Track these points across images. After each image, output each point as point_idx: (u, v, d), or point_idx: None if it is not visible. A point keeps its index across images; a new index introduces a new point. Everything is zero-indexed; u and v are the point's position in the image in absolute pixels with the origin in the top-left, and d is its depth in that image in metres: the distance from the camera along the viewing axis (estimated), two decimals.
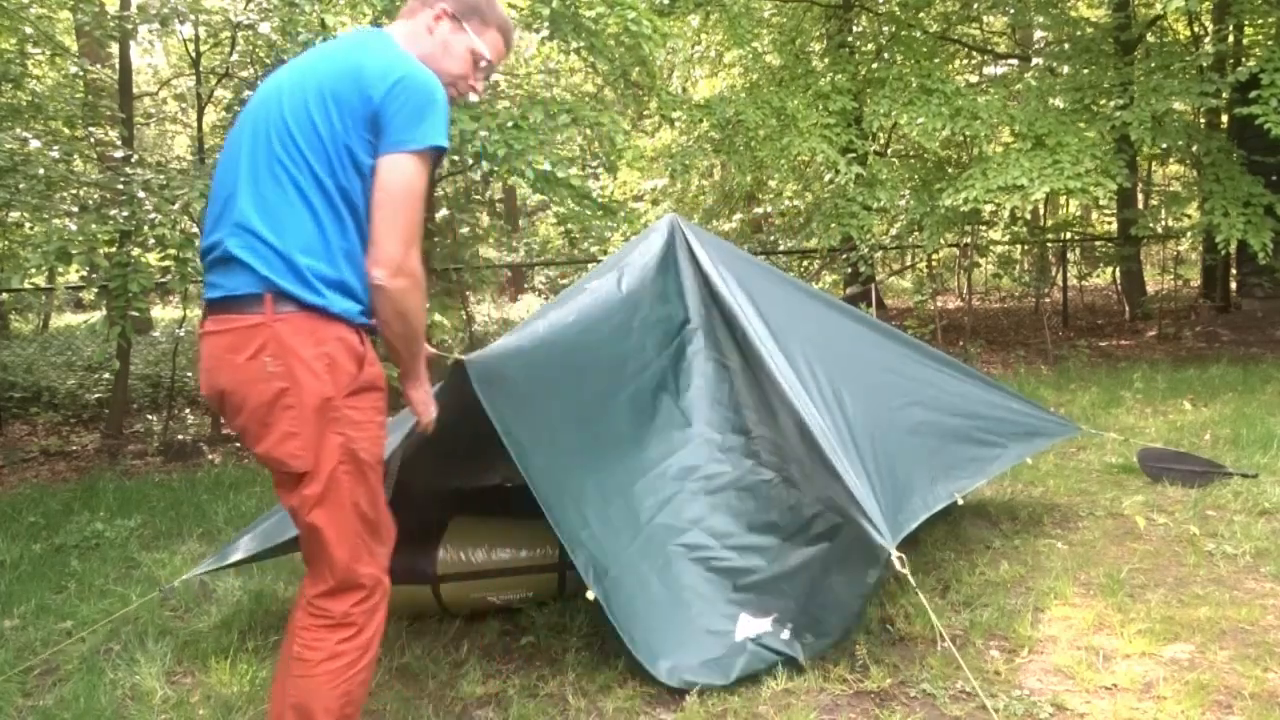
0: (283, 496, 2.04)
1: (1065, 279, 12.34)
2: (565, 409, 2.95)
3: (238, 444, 6.88)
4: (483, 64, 2.19)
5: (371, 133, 1.93)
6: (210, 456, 6.86)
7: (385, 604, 2.09)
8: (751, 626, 2.84)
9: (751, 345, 3.19)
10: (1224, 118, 10.46)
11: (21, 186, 6.23)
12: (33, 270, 6.43)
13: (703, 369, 3.28)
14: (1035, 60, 12.01)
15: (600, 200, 7.85)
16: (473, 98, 2.22)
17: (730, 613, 2.89)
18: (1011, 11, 11.25)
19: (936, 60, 10.28)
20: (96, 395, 8.63)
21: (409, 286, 1.95)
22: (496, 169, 6.58)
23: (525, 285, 17.78)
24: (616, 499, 2.96)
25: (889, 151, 12.25)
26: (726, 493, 3.08)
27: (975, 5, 11.47)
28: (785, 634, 2.83)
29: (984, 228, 11.43)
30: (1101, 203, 10.76)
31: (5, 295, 9.36)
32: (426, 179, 1.97)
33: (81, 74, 8.41)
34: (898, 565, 2.66)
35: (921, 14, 10.95)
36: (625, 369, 3.17)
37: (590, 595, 2.69)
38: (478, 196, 9.68)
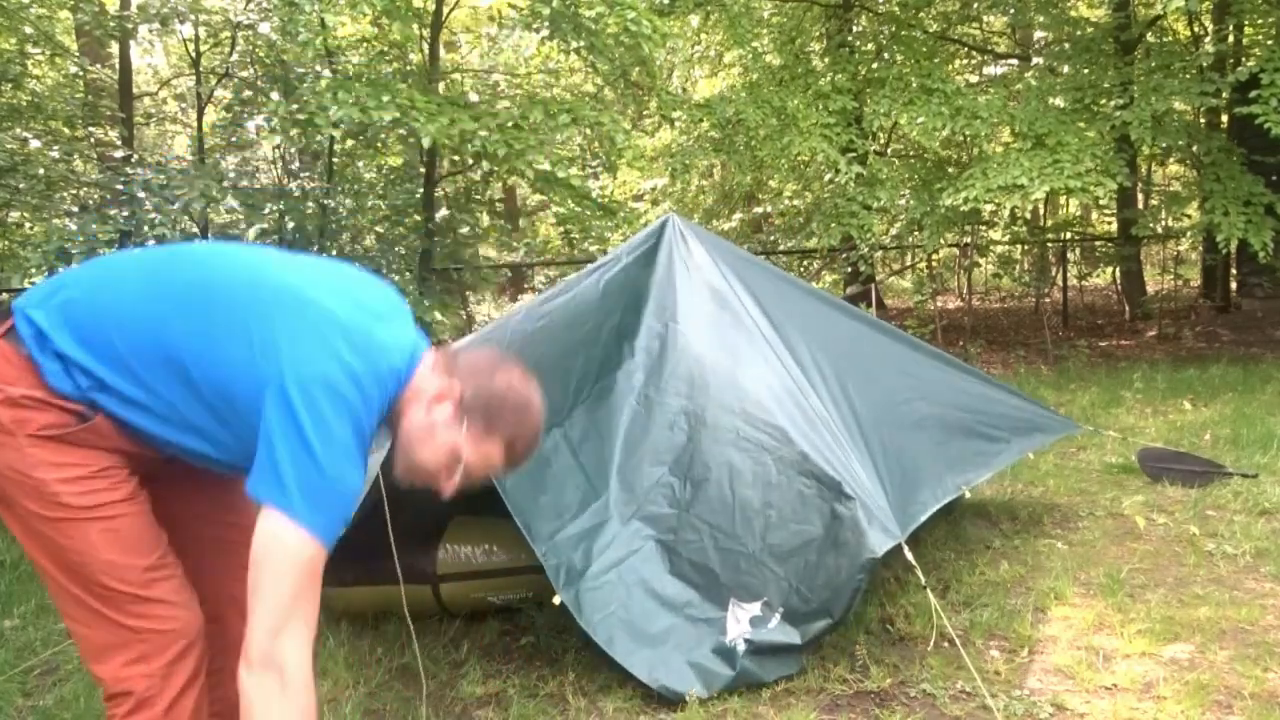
0: None
1: (1065, 279, 12.33)
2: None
3: None
4: (459, 469, 1.77)
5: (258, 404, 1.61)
6: None
7: None
8: (742, 615, 2.78)
9: (752, 337, 3.19)
10: (1224, 118, 10.47)
11: (21, 186, 6.25)
12: (33, 270, 6.44)
13: (686, 358, 3.24)
14: (1035, 60, 12.02)
15: (600, 200, 7.86)
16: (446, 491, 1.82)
17: (719, 597, 2.82)
18: (1011, 11, 11.25)
19: (936, 60, 10.28)
20: None
21: (271, 688, 1.51)
22: (496, 169, 6.58)
23: (525, 285, 17.78)
24: (594, 498, 2.94)
25: (889, 151, 12.26)
26: (714, 477, 2.99)
27: (975, 5, 11.47)
28: (775, 620, 2.75)
29: (984, 228, 11.43)
30: (1102, 202, 10.76)
31: (5, 295, 9.36)
32: (317, 557, 1.58)
33: (81, 74, 8.42)
34: (908, 556, 2.65)
35: (921, 14, 10.95)
36: (596, 366, 3.16)
37: (556, 600, 2.68)
38: (478, 196, 9.69)
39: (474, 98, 7.98)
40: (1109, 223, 14.47)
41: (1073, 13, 11.42)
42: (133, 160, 6.90)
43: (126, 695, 1.66)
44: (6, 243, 6.98)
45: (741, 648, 2.74)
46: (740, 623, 2.78)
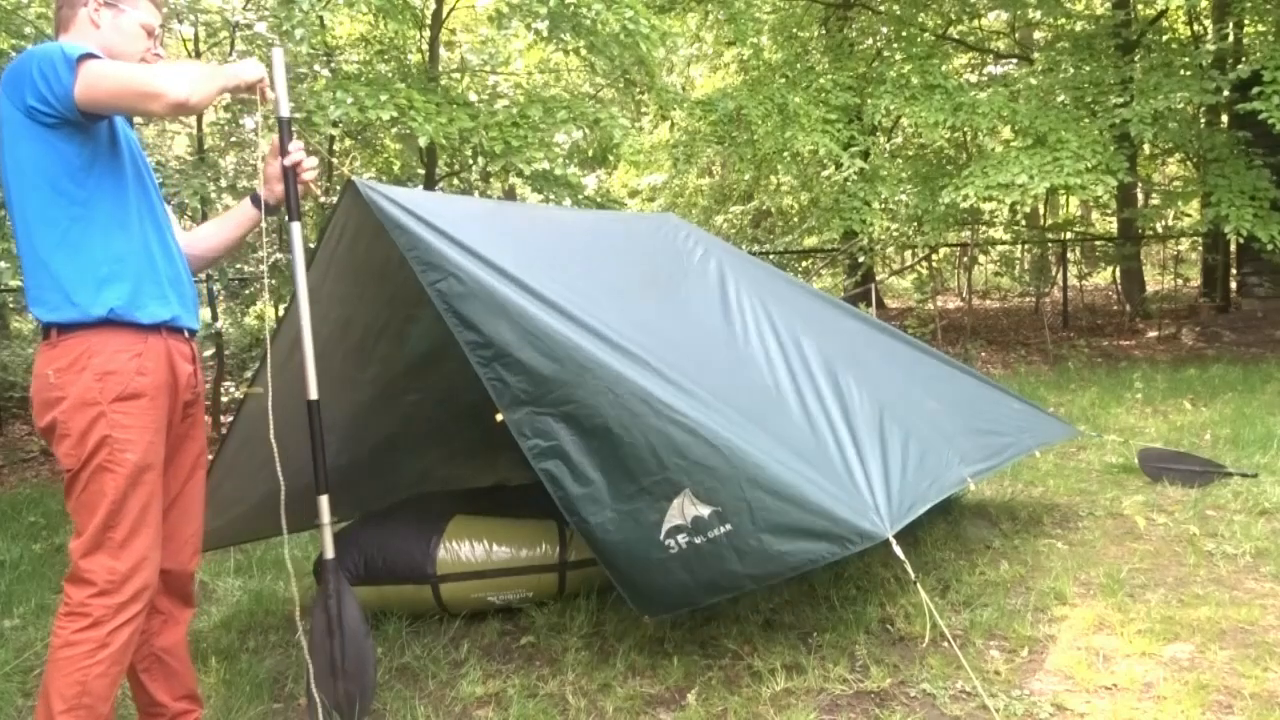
0: None
1: (1065, 279, 12.35)
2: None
3: None
4: (155, 32, 2.26)
5: (43, 107, 2.00)
6: (208, 456, 6.85)
7: None
8: (689, 510, 2.54)
9: (750, 334, 3.20)
10: (1224, 116, 10.49)
11: None
12: None
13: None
14: (1035, 55, 12.03)
15: (597, 200, 7.86)
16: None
17: (672, 487, 2.56)
18: (1011, 8, 11.24)
19: (935, 60, 10.30)
20: None
21: (170, 87, 2.02)
22: (494, 169, 6.58)
23: None
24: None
25: (889, 148, 12.27)
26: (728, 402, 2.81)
27: (974, 2, 11.46)
28: (717, 532, 2.53)
29: (984, 226, 11.44)
30: (1102, 201, 10.77)
31: (4, 294, 9.36)
32: (100, 61, 2.04)
33: None
34: (896, 551, 2.61)
35: (920, 14, 10.95)
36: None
37: (499, 418, 2.62)
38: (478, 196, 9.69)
39: (473, 98, 7.97)
40: (1109, 223, 14.49)
41: (1069, 4, 11.40)
42: None
43: None
44: (6, 244, 6.97)
45: (673, 547, 2.55)
46: (684, 515, 2.54)
